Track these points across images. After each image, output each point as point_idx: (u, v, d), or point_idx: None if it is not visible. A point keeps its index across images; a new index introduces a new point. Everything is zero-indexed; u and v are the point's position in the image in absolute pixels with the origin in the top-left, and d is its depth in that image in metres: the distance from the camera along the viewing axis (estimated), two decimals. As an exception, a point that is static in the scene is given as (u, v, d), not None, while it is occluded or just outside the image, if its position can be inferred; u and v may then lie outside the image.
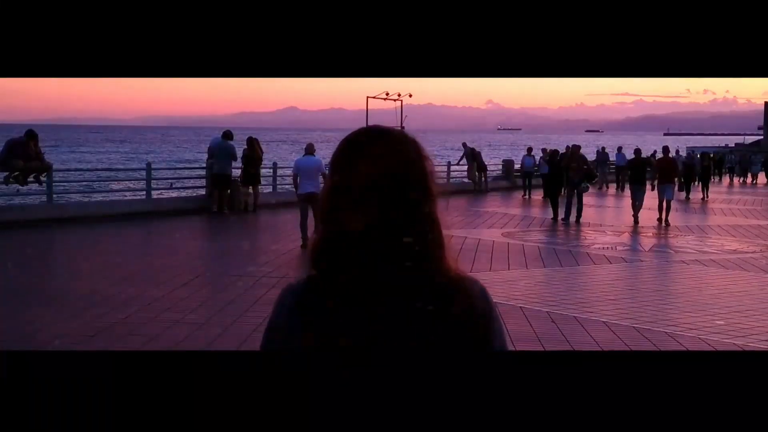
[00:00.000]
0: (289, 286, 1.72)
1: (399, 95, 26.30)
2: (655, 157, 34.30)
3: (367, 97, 25.67)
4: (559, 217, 19.90)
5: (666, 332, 8.53)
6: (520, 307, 9.61)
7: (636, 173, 21.33)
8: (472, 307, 1.68)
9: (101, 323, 8.30)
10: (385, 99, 26.11)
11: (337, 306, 1.63)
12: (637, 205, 20.37)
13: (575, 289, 10.96)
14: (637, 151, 22.46)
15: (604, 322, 8.95)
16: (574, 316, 9.20)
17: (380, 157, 1.66)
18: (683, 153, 43.72)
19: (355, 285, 1.63)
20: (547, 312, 9.39)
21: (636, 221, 19.90)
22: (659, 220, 20.10)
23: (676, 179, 21.67)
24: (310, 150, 14.77)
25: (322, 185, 13.07)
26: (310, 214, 13.58)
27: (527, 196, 27.93)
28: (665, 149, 22.86)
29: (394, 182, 1.65)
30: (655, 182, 20.60)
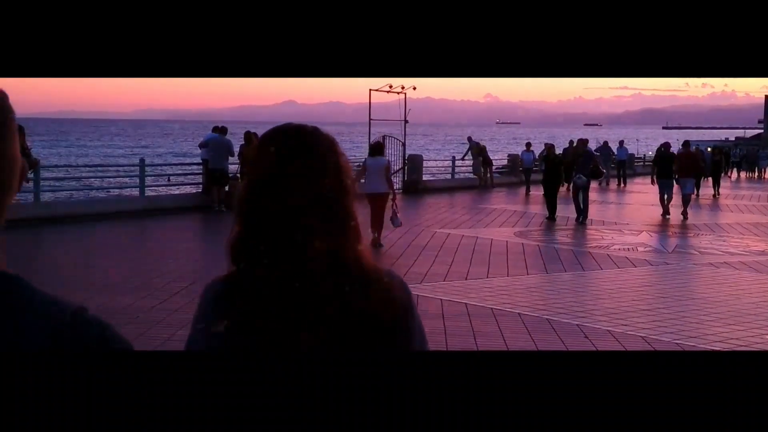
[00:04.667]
0: (211, 283, 1.74)
1: (403, 88, 25.37)
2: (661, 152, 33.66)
3: (370, 89, 24.77)
4: (574, 218, 18.90)
5: (713, 350, 7.64)
6: (547, 318, 8.73)
7: (664, 167, 20.81)
8: (389, 301, 1.69)
9: (82, 341, 7.39)
10: (388, 92, 25.16)
11: (254, 301, 1.64)
12: (666, 199, 20.34)
13: (603, 297, 10.06)
14: (666, 145, 21.83)
15: (642, 337, 8.07)
16: (608, 330, 8.31)
17: (295, 155, 1.68)
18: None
19: (272, 280, 1.65)
20: (577, 325, 8.51)
21: (667, 213, 20.01)
22: (683, 214, 19.92)
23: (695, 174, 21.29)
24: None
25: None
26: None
27: (527, 193, 26.96)
28: (686, 143, 22.32)
29: (310, 179, 1.67)
30: (675, 176, 20.46)
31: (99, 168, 37.51)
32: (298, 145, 1.70)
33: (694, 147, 38.58)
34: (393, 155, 25.91)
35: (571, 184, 19.83)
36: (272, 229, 1.67)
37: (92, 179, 26.15)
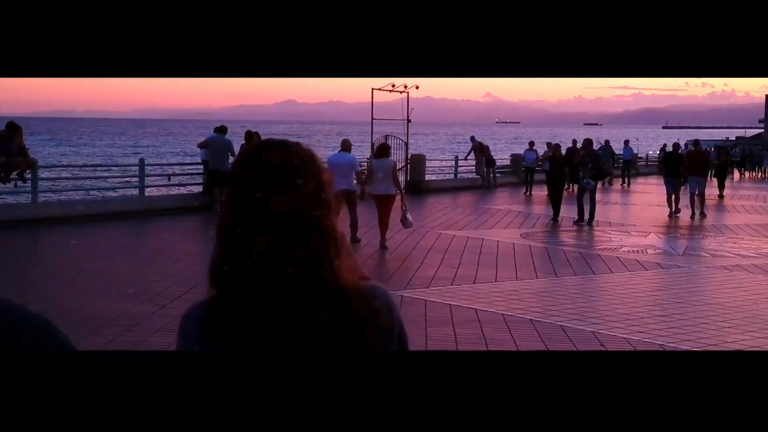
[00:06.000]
0: (190, 311, 1.68)
1: (405, 87, 25.08)
2: (665, 151, 33.83)
3: (372, 89, 24.47)
4: (573, 219, 18.57)
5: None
6: (561, 325, 8.44)
7: (672, 166, 20.74)
8: (373, 317, 1.66)
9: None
10: (391, 91, 24.86)
11: (241, 326, 1.61)
12: (675, 199, 20.43)
13: (617, 303, 9.76)
14: (676, 145, 21.94)
15: (660, 345, 7.78)
16: (624, 338, 8.02)
17: (277, 171, 1.64)
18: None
19: (255, 303, 1.61)
20: (591, 332, 8.22)
21: (677, 212, 20.19)
22: (692, 218, 19.93)
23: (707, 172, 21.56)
24: (345, 146, 14.09)
25: (356, 182, 12.63)
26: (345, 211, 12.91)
27: (528, 193, 26.61)
28: (696, 142, 22.28)
29: (292, 197, 1.63)
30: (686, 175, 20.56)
31: (98, 168, 37.20)
32: (279, 164, 1.65)
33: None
34: (395, 155, 25.60)
35: (578, 186, 19.53)
36: (252, 251, 1.62)
37: (91, 179, 25.83)
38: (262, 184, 1.63)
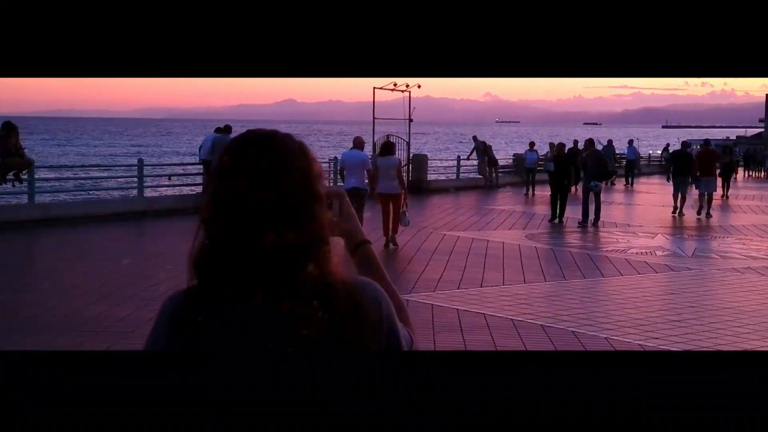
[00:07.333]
0: (170, 297, 1.65)
1: (407, 86, 24.81)
2: (668, 151, 33.59)
3: (374, 88, 24.24)
4: (578, 221, 18.27)
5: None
6: (572, 331, 8.19)
7: (681, 166, 20.62)
8: (358, 312, 1.60)
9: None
10: (392, 90, 24.60)
11: (214, 316, 1.56)
12: (680, 199, 20.37)
13: (629, 307, 9.50)
14: (685, 144, 21.78)
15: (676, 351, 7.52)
16: (639, 344, 7.77)
17: (264, 162, 1.59)
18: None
19: (235, 293, 1.56)
20: (605, 338, 7.96)
21: (680, 213, 20.11)
22: (699, 214, 19.97)
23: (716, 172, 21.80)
24: (358, 144, 13.80)
25: (366, 181, 12.37)
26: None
27: (529, 193, 26.28)
28: (706, 142, 22.27)
29: (278, 187, 1.58)
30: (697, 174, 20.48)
31: (97, 168, 36.93)
32: (265, 154, 1.60)
33: (696, 146, 38.21)
34: (397, 154, 25.27)
35: (583, 187, 19.24)
36: (235, 241, 1.57)
37: (90, 179, 25.58)
38: (248, 175, 1.58)
